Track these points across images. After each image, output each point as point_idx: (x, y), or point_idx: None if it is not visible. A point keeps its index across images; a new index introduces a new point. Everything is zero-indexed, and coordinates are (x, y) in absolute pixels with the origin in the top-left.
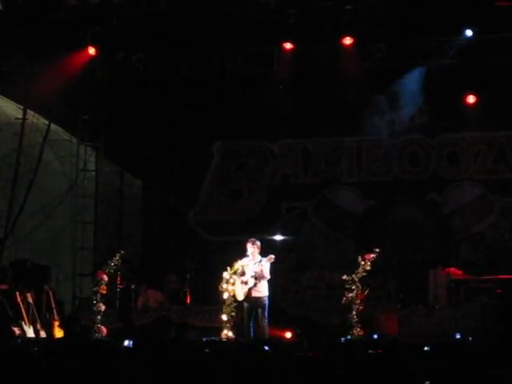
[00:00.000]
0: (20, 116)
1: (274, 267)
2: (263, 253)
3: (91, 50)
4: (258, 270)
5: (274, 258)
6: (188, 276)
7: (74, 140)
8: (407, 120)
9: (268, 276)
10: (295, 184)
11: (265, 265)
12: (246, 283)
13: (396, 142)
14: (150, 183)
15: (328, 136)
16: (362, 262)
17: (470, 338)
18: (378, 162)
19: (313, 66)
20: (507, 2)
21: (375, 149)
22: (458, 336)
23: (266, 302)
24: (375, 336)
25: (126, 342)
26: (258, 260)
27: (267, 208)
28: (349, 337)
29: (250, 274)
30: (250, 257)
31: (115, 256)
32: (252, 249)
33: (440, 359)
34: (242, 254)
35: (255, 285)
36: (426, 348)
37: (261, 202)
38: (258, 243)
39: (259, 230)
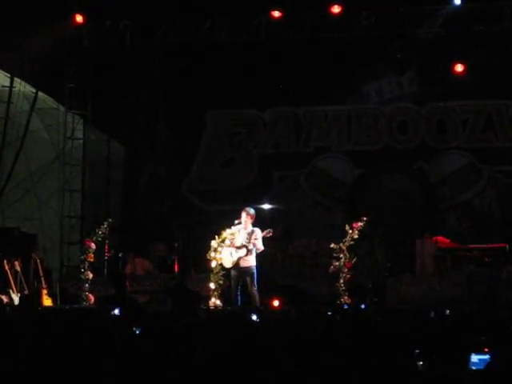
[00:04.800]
0: (7, 84)
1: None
2: (254, 222)
3: (78, 18)
4: (248, 241)
5: (273, 232)
6: (176, 244)
7: (62, 108)
8: (396, 88)
9: (262, 248)
10: (287, 152)
11: (259, 237)
12: (238, 250)
13: (385, 110)
14: (136, 151)
15: (318, 104)
16: (350, 231)
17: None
18: (367, 131)
19: (301, 34)
20: None
21: (364, 117)
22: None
23: (254, 271)
24: (362, 306)
25: (116, 311)
26: (250, 230)
27: (260, 177)
28: (345, 306)
29: (240, 242)
30: (242, 225)
31: (103, 224)
32: (246, 218)
33: (429, 327)
34: (232, 222)
35: (246, 254)
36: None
37: (253, 170)
38: (252, 213)
39: (252, 198)
